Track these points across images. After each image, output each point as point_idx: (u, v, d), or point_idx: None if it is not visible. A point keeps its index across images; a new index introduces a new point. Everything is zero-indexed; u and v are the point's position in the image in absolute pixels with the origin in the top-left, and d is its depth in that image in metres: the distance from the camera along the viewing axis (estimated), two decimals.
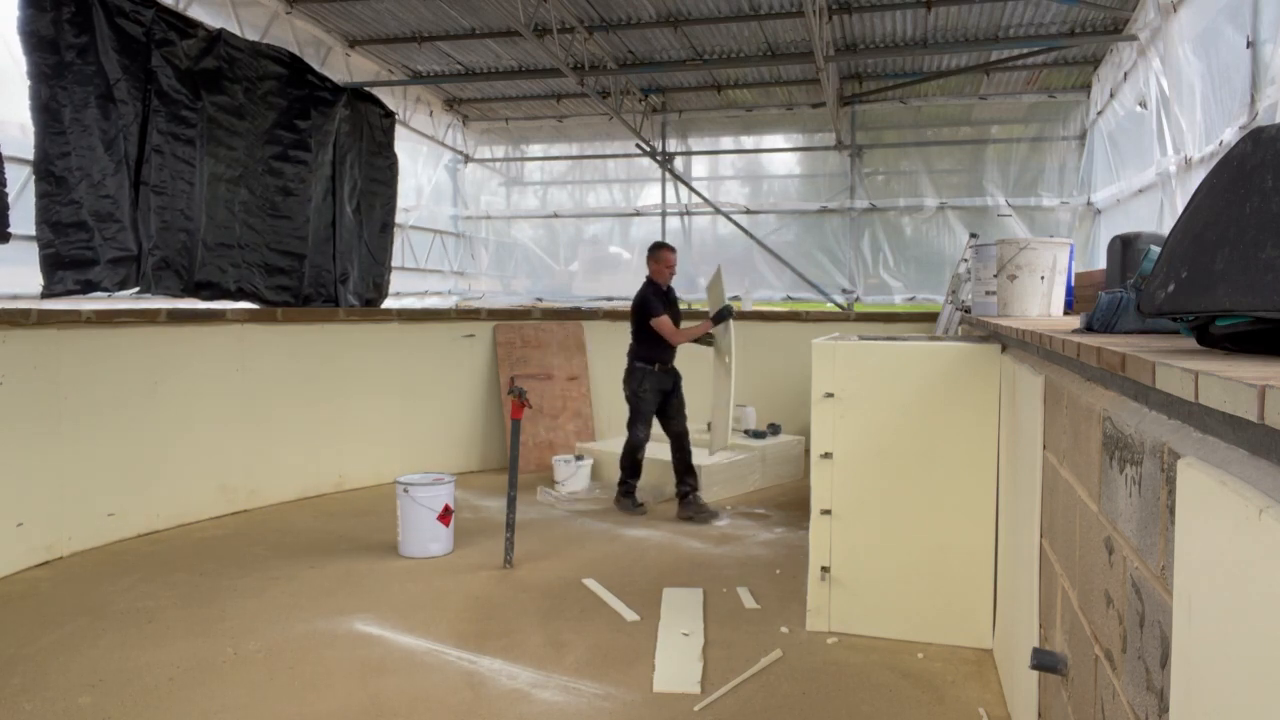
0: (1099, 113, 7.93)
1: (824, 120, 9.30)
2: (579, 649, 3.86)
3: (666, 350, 6.12)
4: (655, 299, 6.05)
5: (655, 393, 6.12)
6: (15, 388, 4.91)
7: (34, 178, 5.12)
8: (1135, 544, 1.52)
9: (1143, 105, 6.03)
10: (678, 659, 3.74)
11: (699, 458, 7.05)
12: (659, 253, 6.18)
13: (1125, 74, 6.68)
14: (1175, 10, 5.15)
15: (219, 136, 6.29)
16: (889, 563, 3.94)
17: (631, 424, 6.19)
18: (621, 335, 8.88)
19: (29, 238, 5.16)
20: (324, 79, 7.29)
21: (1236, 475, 1.06)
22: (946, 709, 3.29)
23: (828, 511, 3.98)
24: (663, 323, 6.01)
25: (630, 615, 4.27)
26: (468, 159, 10.73)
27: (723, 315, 6.04)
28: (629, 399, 6.21)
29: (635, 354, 6.16)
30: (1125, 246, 3.19)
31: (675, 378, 6.23)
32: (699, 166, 10.36)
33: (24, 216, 5.10)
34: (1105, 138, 7.69)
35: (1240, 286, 1.22)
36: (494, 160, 10.99)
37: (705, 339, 6.23)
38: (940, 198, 9.22)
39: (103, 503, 5.42)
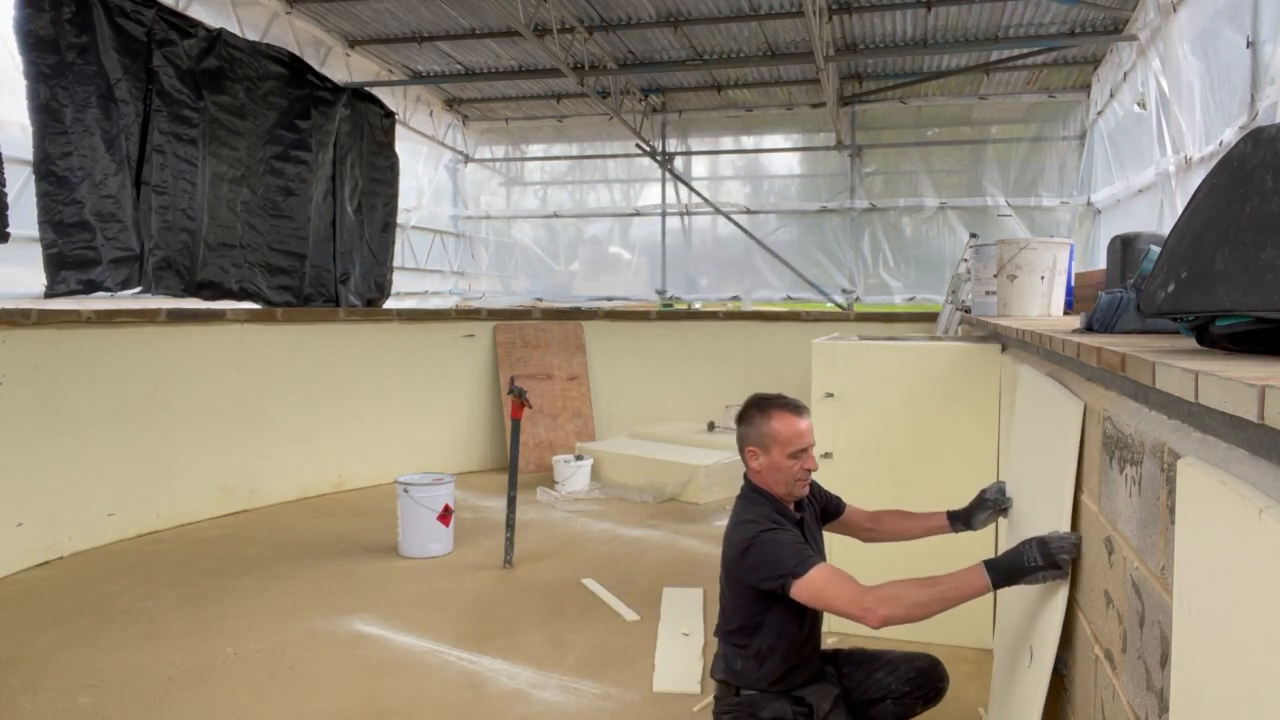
0: (1099, 113, 7.93)
1: (824, 120, 9.30)
2: (579, 649, 3.87)
3: (809, 646, 2.60)
4: (780, 531, 2.46)
5: None
6: (15, 388, 4.91)
7: (34, 178, 5.12)
8: (1135, 544, 1.52)
9: (1141, 106, 6.03)
10: (678, 659, 3.74)
11: (695, 457, 7.02)
12: (767, 419, 2.59)
13: (1125, 74, 6.68)
14: (1175, 10, 5.14)
15: (220, 136, 6.29)
16: (889, 563, 3.93)
17: None
18: (622, 335, 8.98)
19: (29, 238, 5.16)
20: (324, 79, 7.29)
21: (1236, 475, 1.06)
22: (946, 709, 3.28)
23: None
24: (825, 580, 2.30)
25: (630, 615, 4.27)
26: (468, 159, 10.73)
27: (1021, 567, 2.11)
28: None
29: (745, 676, 2.53)
30: (1125, 246, 3.19)
31: (828, 684, 2.65)
32: (699, 166, 10.36)
33: (24, 216, 5.10)
34: (1105, 138, 7.68)
35: (1240, 286, 1.22)
36: (494, 160, 10.99)
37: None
38: (940, 198, 9.21)
39: (103, 503, 5.42)
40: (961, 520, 2.71)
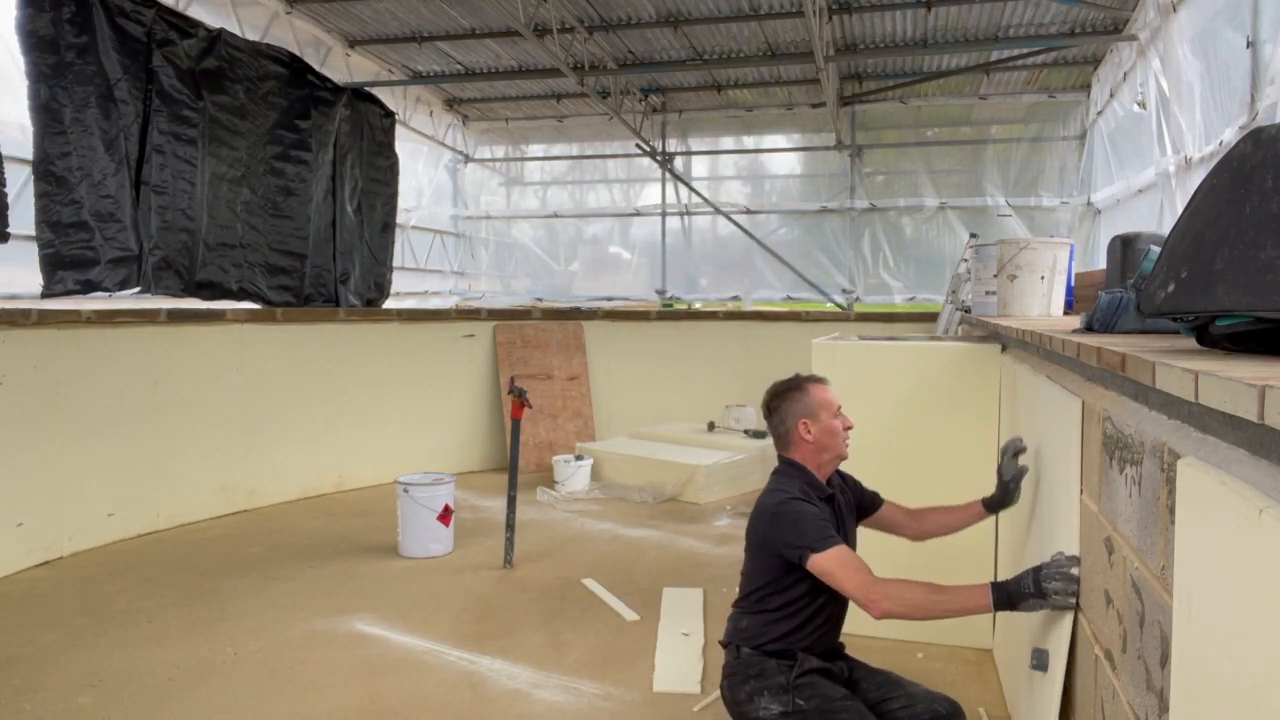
0: (1099, 113, 7.93)
1: (824, 120, 9.30)
2: (579, 649, 3.86)
3: (820, 620, 2.60)
4: (807, 504, 2.53)
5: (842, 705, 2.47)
6: (15, 388, 4.91)
7: (34, 178, 5.12)
8: (1135, 544, 1.52)
9: (1141, 105, 6.03)
10: (678, 659, 3.74)
11: (695, 457, 7.04)
12: (805, 392, 2.69)
13: (1125, 74, 6.68)
14: (1175, 10, 5.15)
15: (220, 136, 6.29)
16: (888, 562, 3.93)
17: None
18: (622, 335, 8.99)
19: (29, 238, 5.16)
20: (324, 79, 7.29)
21: (1236, 475, 1.06)
22: None
23: None
24: (840, 562, 2.41)
25: (630, 615, 4.27)
26: (468, 159, 10.73)
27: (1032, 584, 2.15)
28: None
29: (747, 633, 2.58)
30: (1125, 246, 3.19)
31: (848, 664, 2.73)
32: (699, 166, 10.36)
33: (24, 216, 5.10)
34: (1105, 138, 7.69)
35: (1240, 286, 1.22)
36: (494, 160, 10.99)
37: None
38: (940, 198, 9.21)
39: (103, 503, 5.42)
40: (996, 503, 2.77)
